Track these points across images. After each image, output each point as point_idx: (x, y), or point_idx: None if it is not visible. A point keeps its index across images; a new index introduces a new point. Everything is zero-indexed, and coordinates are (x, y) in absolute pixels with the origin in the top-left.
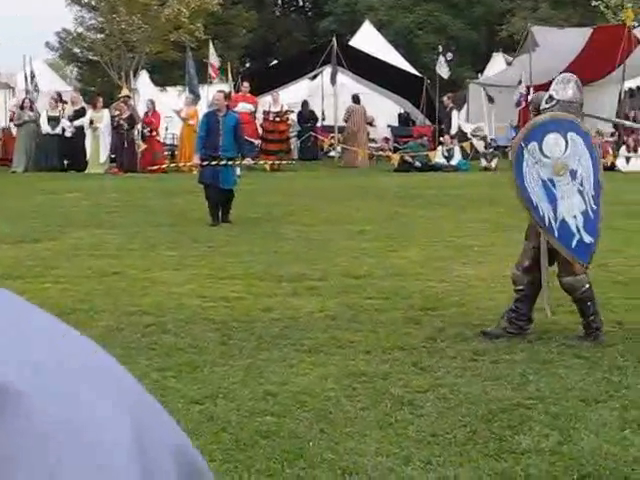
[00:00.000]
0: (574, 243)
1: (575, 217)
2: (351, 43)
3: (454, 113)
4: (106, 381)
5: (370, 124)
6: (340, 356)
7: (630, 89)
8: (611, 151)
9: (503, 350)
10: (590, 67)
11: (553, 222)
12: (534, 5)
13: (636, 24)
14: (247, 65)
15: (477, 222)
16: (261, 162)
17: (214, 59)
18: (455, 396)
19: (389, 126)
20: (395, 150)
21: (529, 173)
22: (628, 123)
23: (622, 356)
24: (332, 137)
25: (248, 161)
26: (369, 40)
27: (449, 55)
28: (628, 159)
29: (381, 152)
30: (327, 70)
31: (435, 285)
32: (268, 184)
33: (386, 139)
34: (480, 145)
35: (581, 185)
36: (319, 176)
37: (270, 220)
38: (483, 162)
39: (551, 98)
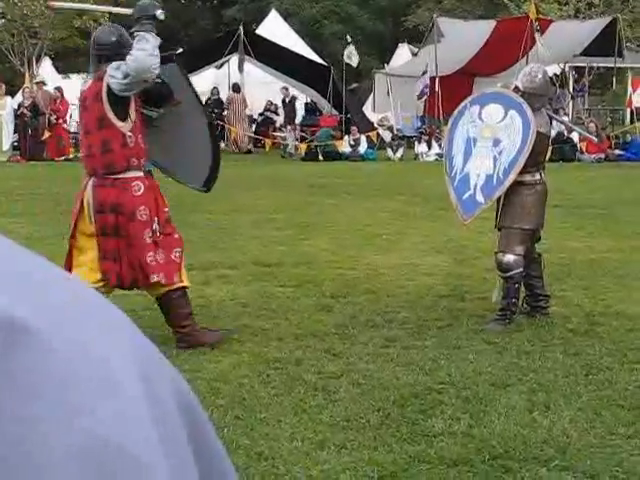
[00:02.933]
0: (465, 196)
1: (478, 176)
2: (257, 32)
3: (297, 103)
4: (119, 330)
5: (276, 113)
6: (253, 343)
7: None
8: None
9: (414, 336)
10: (494, 59)
11: (458, 173)
12: None
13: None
14: None
15: (385, 211)
16: None
17: None
18: (368, 381)
19: None
20: (302, 139)
21: (461, 128)
22: (586, 133)
23: (529, 341)
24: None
25: None
26: (275, 29)
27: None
28: None
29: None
30: (234, 59)
31: (345, 273)
32: None
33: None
34: (386, 135)
35: (499, 154)
36: (226, 165)
37: (179, 208)
38: (389, 152)
39: (517, 89)
